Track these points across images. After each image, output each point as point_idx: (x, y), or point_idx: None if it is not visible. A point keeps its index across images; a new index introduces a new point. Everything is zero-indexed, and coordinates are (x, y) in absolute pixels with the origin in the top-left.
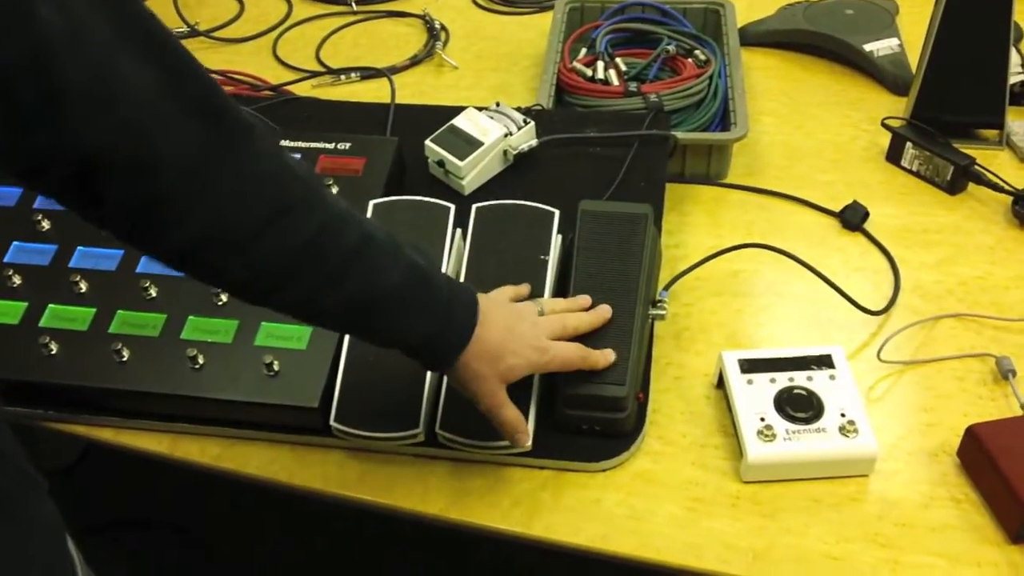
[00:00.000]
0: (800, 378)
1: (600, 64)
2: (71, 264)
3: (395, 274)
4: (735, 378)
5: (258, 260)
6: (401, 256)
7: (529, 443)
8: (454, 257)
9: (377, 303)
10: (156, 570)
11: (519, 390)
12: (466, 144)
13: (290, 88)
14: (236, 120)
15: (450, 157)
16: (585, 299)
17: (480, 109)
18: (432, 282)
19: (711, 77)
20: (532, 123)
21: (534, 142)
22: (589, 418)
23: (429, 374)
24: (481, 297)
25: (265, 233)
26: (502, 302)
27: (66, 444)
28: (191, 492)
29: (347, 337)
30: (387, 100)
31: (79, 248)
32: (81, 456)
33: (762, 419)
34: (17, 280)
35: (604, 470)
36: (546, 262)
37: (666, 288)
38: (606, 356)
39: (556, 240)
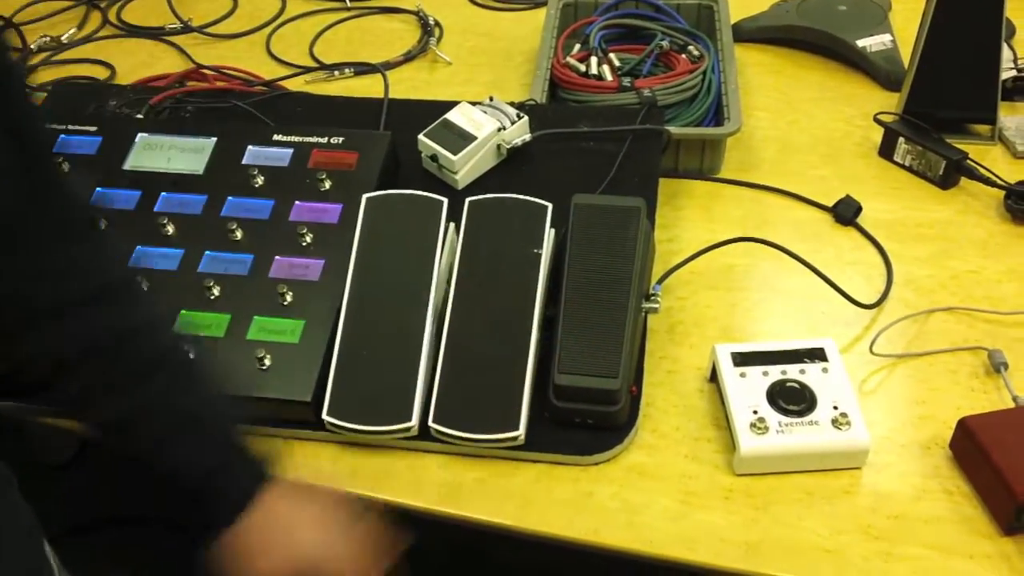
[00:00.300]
0: (793, 371)
1: (594, 59)
2: None
3: (191, 396)
4: (728, 371)
5: (52, 340)
6: (203, 382)
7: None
8: (447, 251)
9: (161, 417)
10: (152, 567)
11: (512, 380)
12: (459, 139)
13: (283, 84)
14: (66, 199)
15: (443, 151)
16: None
17: (474, 104)
18: (226, 419)
19: (704, 72)
20: (526, 118)
21: (528, 137)
22: (582, 411)
23: (423, 365)
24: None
25: (72, 313)
26: (322, 496)
27: (61, 441)
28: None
29: (340, 330)
30: (381, 96)
31: None
32: (76, 453)
33: (755, 412)
34: None
35: (597, 463)
36: (539, 256)
37: (659, 282)
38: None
39: (549, 234)
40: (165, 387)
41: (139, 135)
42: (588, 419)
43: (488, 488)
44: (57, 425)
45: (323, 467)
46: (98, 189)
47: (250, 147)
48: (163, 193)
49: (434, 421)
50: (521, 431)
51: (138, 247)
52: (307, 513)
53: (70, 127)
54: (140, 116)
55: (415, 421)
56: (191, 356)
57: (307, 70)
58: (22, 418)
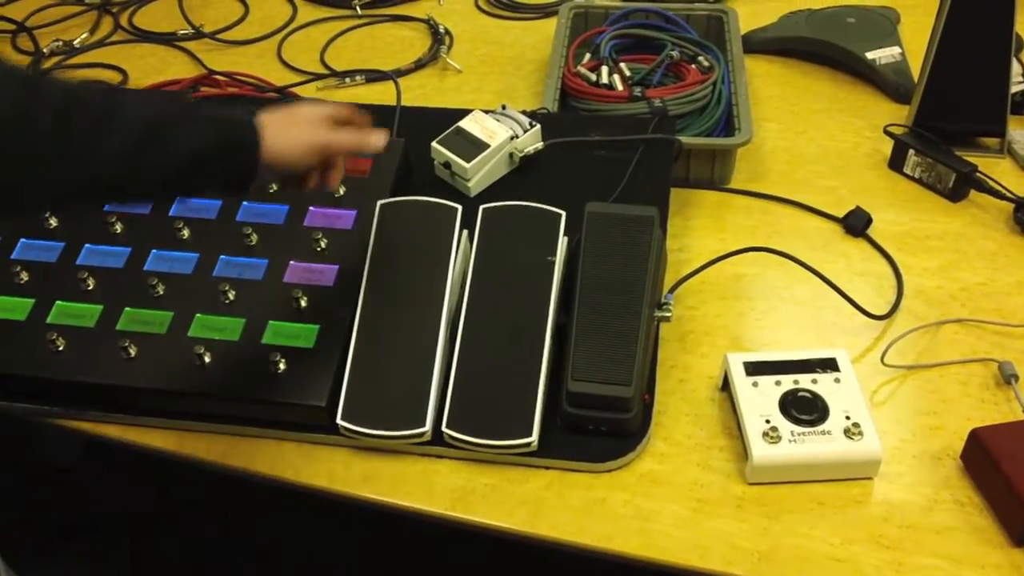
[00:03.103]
0: (805, 381)
1: (604, 69)
2: (78, 261)
3: (150, 106)
4: (740, 380)
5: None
6: (148, 96)
7: (384, 141)
8: (461, 257)
9: (152, 132)
10: (157, 569)
11: (525, 386)
12: (472, 146)
13: (295, 90)
14: None
15: (456, 159)
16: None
17: (486, 112)
18: (193, 103)
19: (715, 83)
20: (538, 126)
21: (540, 145)
22: (595, 418)
23: (437, 371)
24: None
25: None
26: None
27: (66, 443)
28: (192, 491)
29: (354, 336)
30: (391, 103)
31: (86, 245)
32: (82, 455)
33: (767, 421)
34: (24, 277)
35: (609, 470)
36: (553, 263)
37: (671, 291)
38: (379, 137)
39: (562, 242)
40: (126, 115)
41: None
42: (601, 426)
43: (500, 494)
44: (62, 427)
45: (336, 471)
46: None
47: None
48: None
49: (447, 427)
50: (534, 437)
51: (153, 251)
52: (300, 112)
53: None
54: None
55: (429, 426)
56: (120, 89)
57: (318, 77)
58: (27, 420)
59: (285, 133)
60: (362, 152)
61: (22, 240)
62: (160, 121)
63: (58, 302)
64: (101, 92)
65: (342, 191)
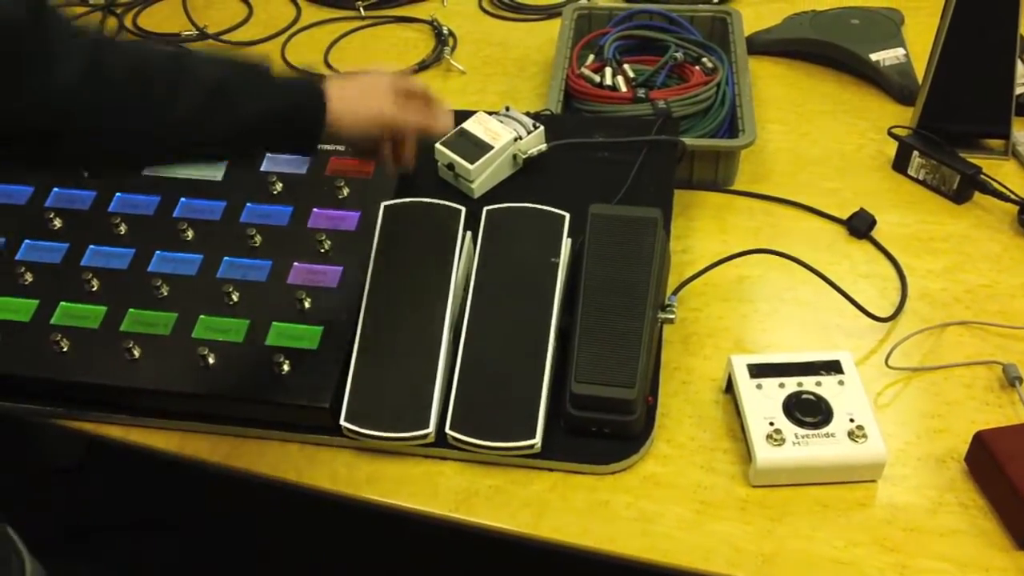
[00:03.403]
0: (809, 383)
1: (608, 70)
2: (83, 262)
3: (219, 67)
4: (744, 383)
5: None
6: (216, 58)
7: (450, 123)
8: (464, 259)
9: (219, 93)
10: (157, 569)
11: (528, 388)
12: (476, 148)
13: None
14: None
15: (460, 160)
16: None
17: (490, 113)
18: (263, 65)
19: (719, 84)
20: (542, 128)
21: (543, 147)
22: (598, 420)
23: (440, 373)
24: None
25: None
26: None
27: (68, 445)
28: (194, 491)
29: (358, 337)
30: None
31: (91, 247)
32: (83, 457)
33: (771, 423)
34: (29, 278)
35: (613, 472)
36: (556, 264)
37: (674, 293)
38: (447, 120)
39: (566, 243)
40: (194, 77)
41: None
42: (604, 428)
43: (504, 496)
44: (64, 427)
45: (339, 472)
46: (117, 194)
47: (268, 154)
48: (182, 198)
49: (451, 428)
50: (537, 439)
51: (157, 252)
52: (369, 82)
53: None
54: None
55: (432, 428)
56: (190, 52)
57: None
58: (29, 420)
59: (352, 103)
60: (427, 137)
61: (26, 241)
62: (229, 82)
63: (62, 303)
64: (170, 52)
65: (346, 192)
